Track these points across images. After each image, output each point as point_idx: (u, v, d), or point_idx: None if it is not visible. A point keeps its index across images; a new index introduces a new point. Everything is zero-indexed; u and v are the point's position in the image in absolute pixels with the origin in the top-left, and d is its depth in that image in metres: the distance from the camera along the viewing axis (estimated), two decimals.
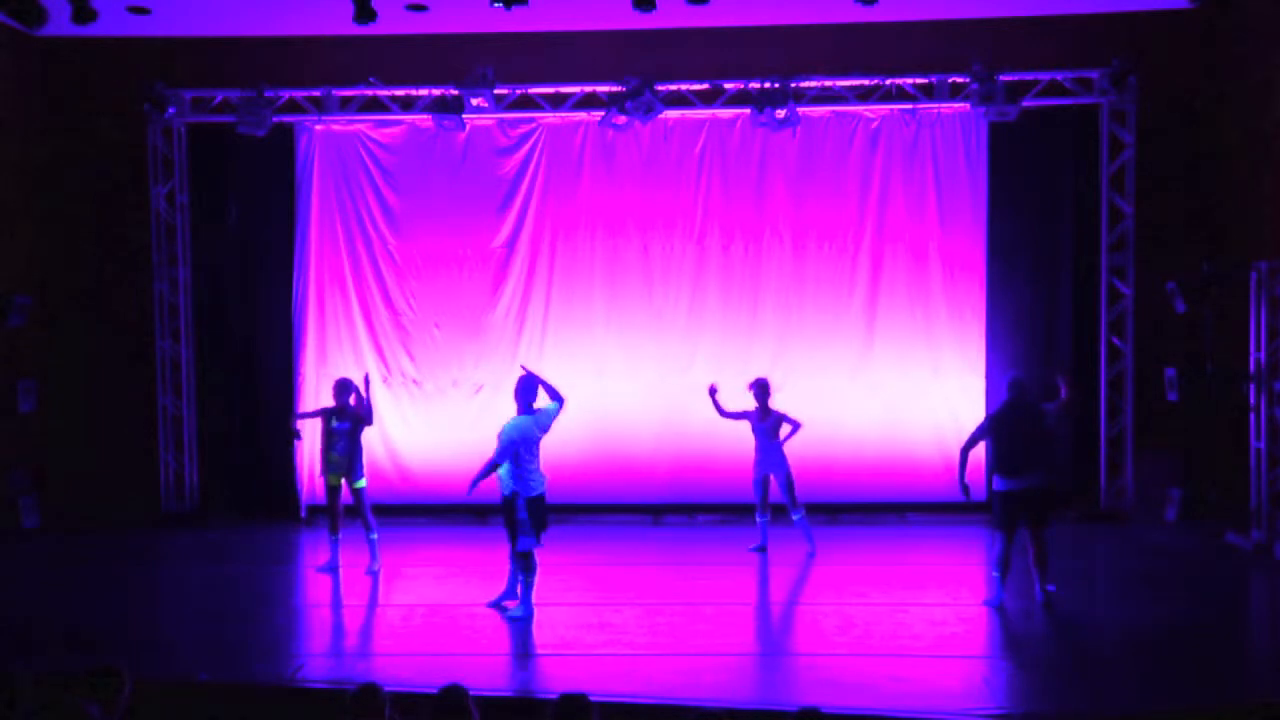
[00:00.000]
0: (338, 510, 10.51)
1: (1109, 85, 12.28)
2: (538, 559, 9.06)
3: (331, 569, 10.57)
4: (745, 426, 11.09)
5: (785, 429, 10.93)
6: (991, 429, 9.20)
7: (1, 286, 12.21)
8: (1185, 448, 12.48)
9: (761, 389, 10.98)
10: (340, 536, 10.58)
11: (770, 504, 11.10)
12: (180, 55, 13.15)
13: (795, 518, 10.94)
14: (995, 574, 9.10)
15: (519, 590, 9.10)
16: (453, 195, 13.19)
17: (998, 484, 9.09)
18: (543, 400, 9.11)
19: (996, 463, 9.13)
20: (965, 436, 9.41)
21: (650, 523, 12.86)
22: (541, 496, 8.95)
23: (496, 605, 9.21)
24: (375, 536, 10.49)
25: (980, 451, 9.67)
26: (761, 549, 11.07)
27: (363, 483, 10.42)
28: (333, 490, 10.47)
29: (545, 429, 9.04)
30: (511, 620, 8.91)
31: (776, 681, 7.82)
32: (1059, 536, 11.51)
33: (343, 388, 10.44)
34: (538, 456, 8.94)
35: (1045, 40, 12.64)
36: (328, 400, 10.93)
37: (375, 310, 13.28)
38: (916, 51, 12.64)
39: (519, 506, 8.84)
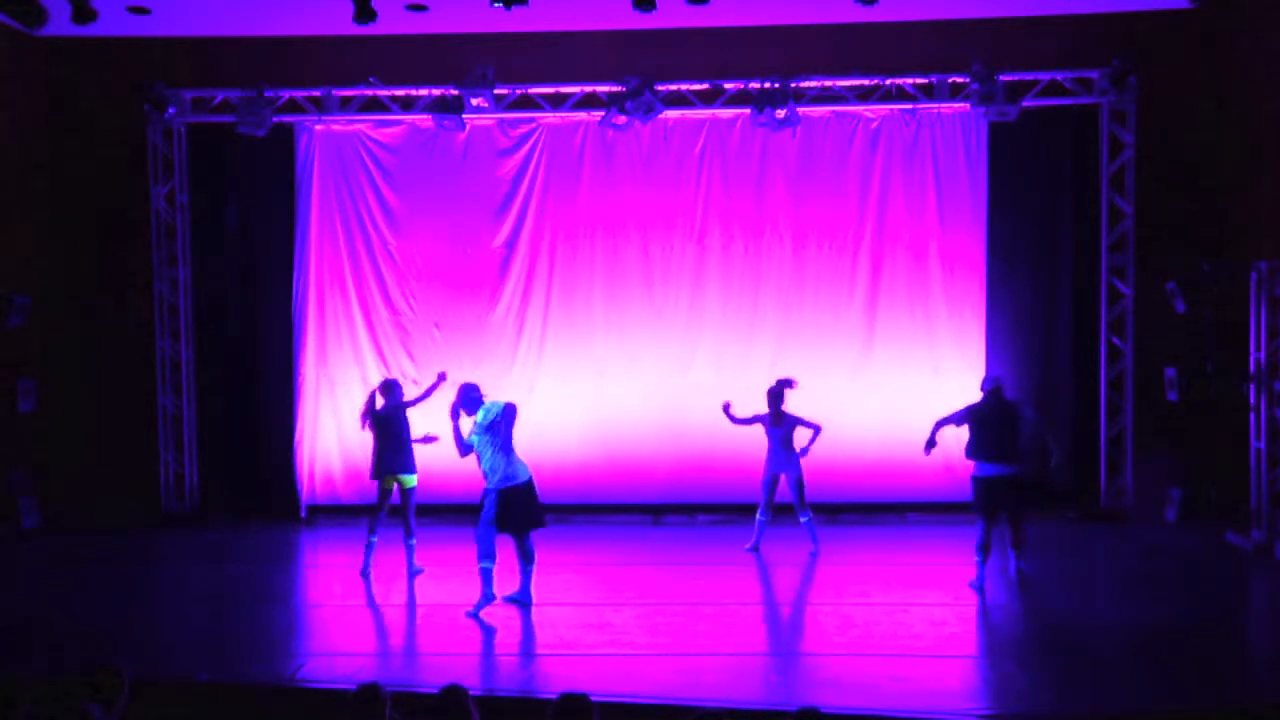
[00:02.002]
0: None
1: (1109, 85, 12.28)
2: (528, 553, 9.10)
3: (414, 573, 10.31)
4: (754, 428, 11.10)
5: (804, 435, 10.85)
6: (971, 420, 9.76)
7: (1, 286, 12.21)
8: (1185, 448, 12.47)
9: (774, 396, 10.95)
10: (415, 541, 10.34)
11: (775, 504, 11.10)
12: (180, 55, 13.15)
13: (803, 519, 10.94)
14: (977, 557, 9.64)
15: (523, 584, 9.17)
16: (453, 195, 13.19)
17: (977, 470, 9.70)
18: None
19: (976, 451, 9.69)
20: (963, 436, 9.73)
21: (650, 523, 12.85)
22: (514, 490, 8.87)
23: (513, 600, 9.18)
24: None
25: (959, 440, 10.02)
26: (755, 548, 11.09)
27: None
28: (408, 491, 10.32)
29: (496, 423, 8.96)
30: (471, 616, 8.93)
31: (777, 681, 7.81)
32: (1059, 536, 11.54)
33: (389, 388, 10.46)
34: (499, 449, 8.87)
35: (1045, 40, 12.63)
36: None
37: (375, 310, 13.27)
38: (916, 51, 12.64)
39: (485, 499, 8.91)
